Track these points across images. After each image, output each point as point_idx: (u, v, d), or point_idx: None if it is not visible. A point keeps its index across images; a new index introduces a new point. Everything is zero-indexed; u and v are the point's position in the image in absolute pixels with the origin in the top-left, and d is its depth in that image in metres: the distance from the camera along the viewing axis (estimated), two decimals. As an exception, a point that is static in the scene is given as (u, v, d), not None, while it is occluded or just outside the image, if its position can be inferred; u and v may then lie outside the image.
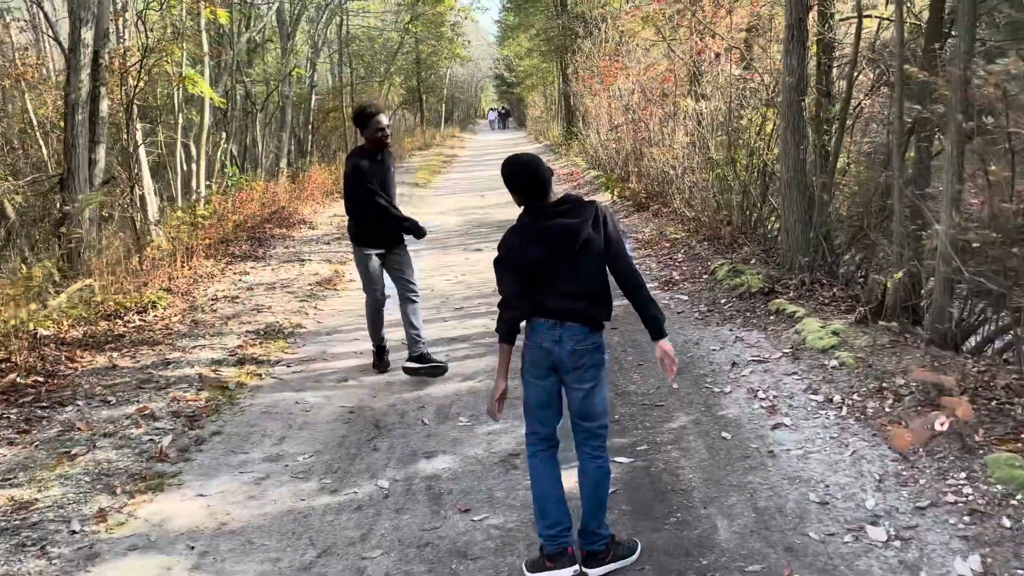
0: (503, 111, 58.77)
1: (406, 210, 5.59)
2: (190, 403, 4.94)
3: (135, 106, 9.73)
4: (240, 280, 8.30)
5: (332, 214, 12.69)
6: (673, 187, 10.59)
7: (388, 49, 28.84)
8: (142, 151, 10.50)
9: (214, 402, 4.98)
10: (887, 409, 4.08)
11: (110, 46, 9.00)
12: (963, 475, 3.39)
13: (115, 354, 5.87)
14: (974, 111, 4.85)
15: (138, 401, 4.96)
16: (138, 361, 5.72)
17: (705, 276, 7.34)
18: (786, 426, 4.16)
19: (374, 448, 4.27)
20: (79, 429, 4.54)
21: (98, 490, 3.86)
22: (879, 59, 6.79)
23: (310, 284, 8.18)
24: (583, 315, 2.92)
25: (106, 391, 5.14)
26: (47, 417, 4.73)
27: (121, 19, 10.00)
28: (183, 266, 8.39)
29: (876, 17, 7.03)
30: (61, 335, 6.16)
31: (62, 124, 8.75)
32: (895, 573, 2.89)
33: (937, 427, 3.51)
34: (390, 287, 5.40)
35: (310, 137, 20.28)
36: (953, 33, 6.43)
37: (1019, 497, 3.16)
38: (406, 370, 5.30)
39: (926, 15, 6.61)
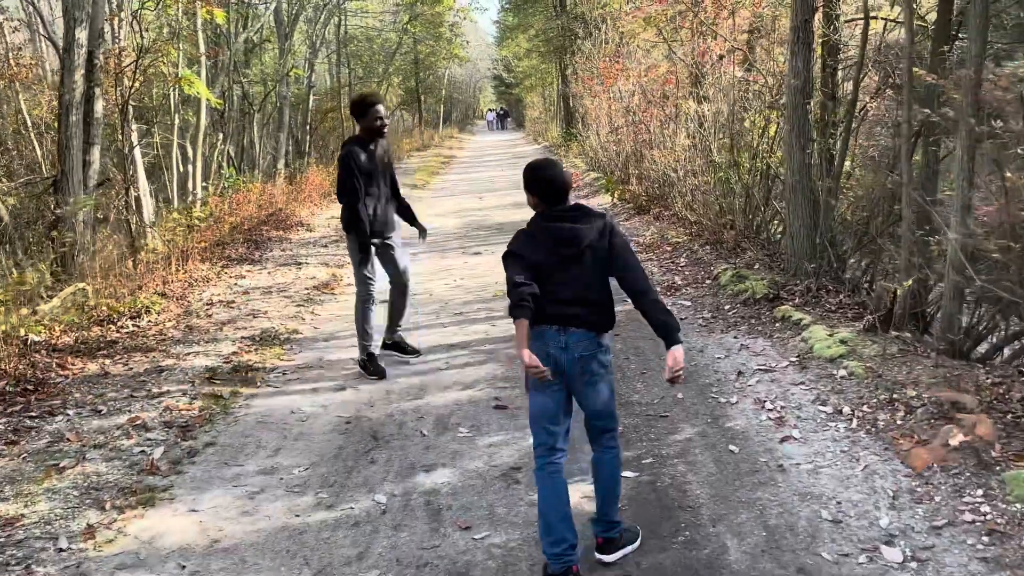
0: (502, 112, 58.71)
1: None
2: (183, 412, 4.82)
3: (130, 107, 9.61)
4: (236, 284, 8.18)
5: (330, 216, 12.57)
6: (674, 190, 10.48)
7: (386, 49, 28.73)
8: (137, 152, 10.38)
9: (208, 411, 4.86)
10: (898, 422, 3.97)
11: (105, 46, 8.89)
12: (980, 492, 3.28)
13: (107, 361, 5.75)
14: (984, 115, 4.76)
15: (130, 410, 4.84)
16: (131, 368, 5.60)
17: (708, 281, 7.23)
18: (795, 439, 4.05)
19: (371, 460, 4.16)
20: (69, 440, 4.42)
21: (87, 505, 3.74)
22: (885, 61, 6.69)
23: (307, 288, 8.06)
24: (586, 320, 2.94)
25: (97, 400, 5.02)
26: (36, 427, 4.61)
27: (116, 19, 9.89)
28: (178, 270, 8.27)
29: (883, 19, 6.93)
30: (53, 341, 6.04)
31: (56, 125, 8.64)
32: (913, 597, 2.79)
33: (952, 443, 3.40)
34: (383, 279, 5.51)
35: (308, 138, 20.17)
36: (961, 35, 6.34)
37: (1039, 516, 3.05)
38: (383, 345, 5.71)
39: (932, 17, 6.52)
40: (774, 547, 3.15)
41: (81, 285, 7.08)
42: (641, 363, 5.38)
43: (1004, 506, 3.17)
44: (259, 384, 5.37)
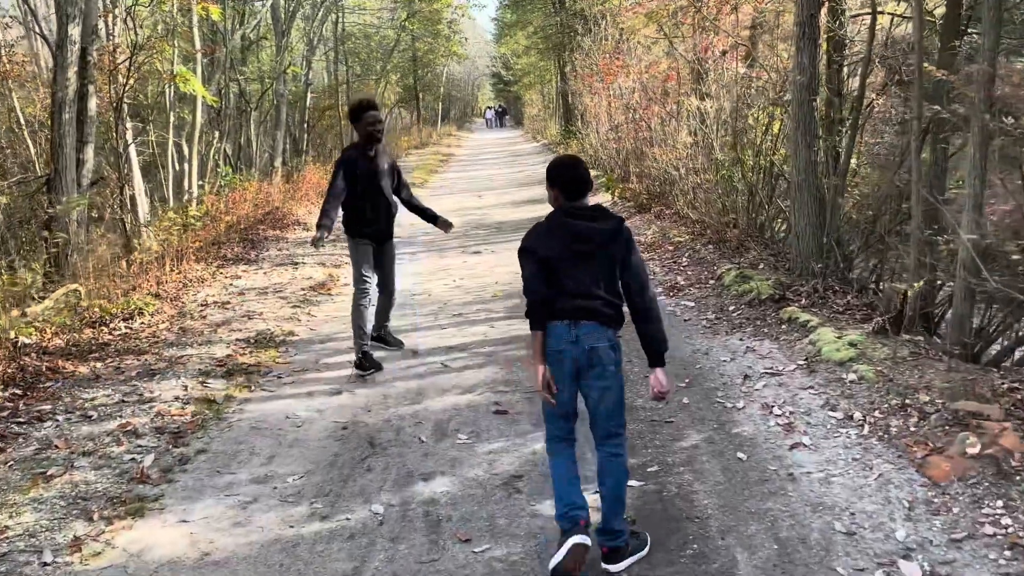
0: (500, 109, 58.53)
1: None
2: (175, 418, 4.70)
3: (125, 105, 9.48)
4: (231, 284, 8.05)
5: (327, 215, 12.42)
6: (676, 188, 10.34)
7: (384, 47, 28.54)
8: (132, 151, 10.25)
9: (200, 417, 4.73)
10: (912, 428, 3.85)
11: (99, 43, 8.75)
12: (1000, 503, 3.16)
13: (99, 364, 5.62)
14: (997, 111, 4.63)
15: (120, 416, 4.71)
16: (122, 372, 5.47)
17: (712, 281, 7.09)
18: (805, 446, 3.92)
19: (368, 468, 4.03)
20: (57, 447, 4.29)
21: (74, 516, 3.61)
22: (892, 57, 6.56)
23: (303, 289, 7.93)
24: (596, 313, 3.00)
25: (87, 404, 4.89)
26: (24, 434, 4.48)
27: (110, 15, 9.74)
28: (172, 270, 8.13)
29: (890, 14, 6.80)
30: (44, 343, 5.91)
31: (49, 123, 8.51)
32: (933, 615, 2.66)
33: (970, 451, 3.28)
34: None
35: (305, 136, 20.02)
36: (970, 30, 6.22)
37: (1063, 529, 2.93)
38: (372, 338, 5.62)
39: (940, 11, 6.39)
40: (786, 561, 3.02)
41: (74, 286, 6.94)
42: (645, 367, 5.21)
43: (1026, 518, 3.05)
44: (253, 388, 5.25)
